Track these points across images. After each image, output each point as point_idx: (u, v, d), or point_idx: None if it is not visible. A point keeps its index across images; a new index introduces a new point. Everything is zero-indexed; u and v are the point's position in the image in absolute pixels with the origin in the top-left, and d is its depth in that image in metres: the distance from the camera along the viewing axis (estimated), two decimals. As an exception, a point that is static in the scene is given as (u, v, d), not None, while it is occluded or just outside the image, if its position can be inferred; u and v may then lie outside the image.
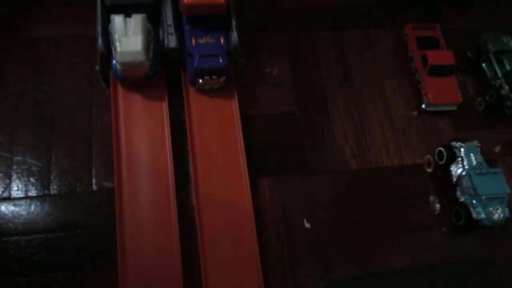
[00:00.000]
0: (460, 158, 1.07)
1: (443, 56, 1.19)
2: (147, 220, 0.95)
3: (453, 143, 1.10)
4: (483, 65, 1.26)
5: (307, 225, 1.02)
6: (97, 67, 1.01)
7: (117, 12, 0.97)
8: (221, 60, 1.00)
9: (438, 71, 1.19)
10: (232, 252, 0.95)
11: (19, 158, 0.99)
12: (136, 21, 0.94)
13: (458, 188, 1.07)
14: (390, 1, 1.35)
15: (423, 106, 1.20)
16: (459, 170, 1.06)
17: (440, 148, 1.10)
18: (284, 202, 1.04)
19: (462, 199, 1.05)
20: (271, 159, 1.08)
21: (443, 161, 1.09)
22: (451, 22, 1.33)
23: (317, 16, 1.29)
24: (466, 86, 1.26)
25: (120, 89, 1.04)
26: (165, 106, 1.04)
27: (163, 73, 1.06)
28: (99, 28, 0.98)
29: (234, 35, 1.01)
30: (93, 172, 1.00)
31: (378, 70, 1.24)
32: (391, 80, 1.23)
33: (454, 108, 1.20)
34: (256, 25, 1.22)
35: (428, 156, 1.13)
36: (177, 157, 1.00)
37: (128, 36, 0.93)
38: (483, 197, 1.01)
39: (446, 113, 1.20)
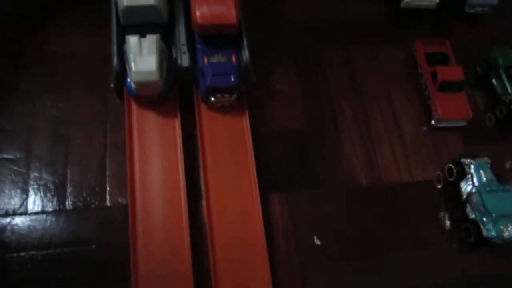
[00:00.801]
0: (470, 175, 1.07)
1: (453, 72, 1.20)
2: (159, 235, 0.96)
3: (463, 160, 1.10)
4: (493, 80, 1.26)
5: (317, 241, 1.03)
6: (112, 85, 1.03)
7: (131, 31, 0.99)
8: (233, 79, 1.01)
9: (448, 87, 1.19)
10: (243, 267, 0.96)
11: (36, 174, 1.01)
12: (151, 41, 0.96)
13: (468, 205, 1.07)
14: (399, 16, 1.35)
15: (433, 122, 1.20)
16: (469, 187, 1.06)
17: (450, 165, 1.10)
18: (294, 217, 1.04)
19: (472, 216, 1.05)
20: (282, 174, 1.09)
21: (453, 178, 1.09)
22: (460, 37, 1.34)
23: (325, 32, 1.30)
24: (475, 101, 1.26)
25: (134, 106, 1.06)
26: (177, 122, 1.05)
27: (176, 91, 1.08)
28: (114, 48, 1.00)
29: (246, 54, 1.03)
30: (107, 188, 1.02)
31: (387, 85, 1.25)
32: (401, 96, 1.24)
33: (464, 123, 1.20)
34: (265, 42, 1.23)
35: (438, 172, 1.13)
36: (189, 173, 1.02)
37: (142, 56, 0.95)
38: (494, 215, 1.01)
39: (456, 128, 1.21)
